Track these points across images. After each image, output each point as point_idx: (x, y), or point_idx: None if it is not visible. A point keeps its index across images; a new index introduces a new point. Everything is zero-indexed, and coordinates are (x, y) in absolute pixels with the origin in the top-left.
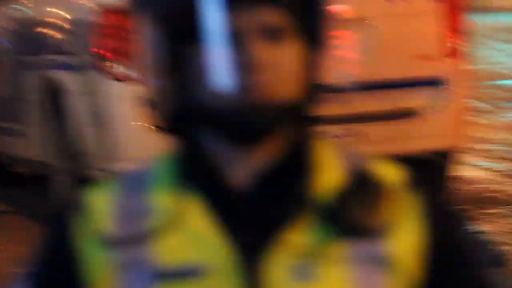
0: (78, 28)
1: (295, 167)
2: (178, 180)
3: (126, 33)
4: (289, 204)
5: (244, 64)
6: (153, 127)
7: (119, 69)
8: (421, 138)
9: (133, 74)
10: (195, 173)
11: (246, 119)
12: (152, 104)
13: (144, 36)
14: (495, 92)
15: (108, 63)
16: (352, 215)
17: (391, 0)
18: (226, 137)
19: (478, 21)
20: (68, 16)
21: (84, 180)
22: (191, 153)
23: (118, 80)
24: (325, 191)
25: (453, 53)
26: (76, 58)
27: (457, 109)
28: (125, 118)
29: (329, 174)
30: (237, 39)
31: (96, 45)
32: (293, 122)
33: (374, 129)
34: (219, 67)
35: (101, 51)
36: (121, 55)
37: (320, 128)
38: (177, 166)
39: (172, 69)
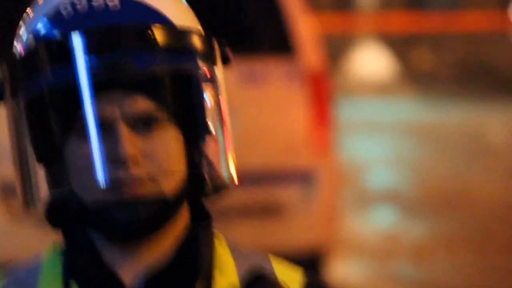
0: None
1: (188, 266)
2: (66, 278)
3: None
4: None
5: (116, 157)
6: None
7: None
8: (287, 236)
9: None
10: (83, 272)
11: (121, 215)
12: (28, 194)
13: (17, 121)
14: (364, 188)
15: None
16: None
17: (254, 87)
18: (104, 235)
19: (343, 111)
20: None
21: None
22: (78, 251)
23: None
24: None
25: (322, 146)
26: None
27: (327, 206)
28: None
29: (225, 273)
30: (108, 129)
31: None
32: (179, 217)
33: (240, 225)
34: (90, 160)
35: None
36: None
37: (210, 223)
38: (64, 264)
39: (47, 157)
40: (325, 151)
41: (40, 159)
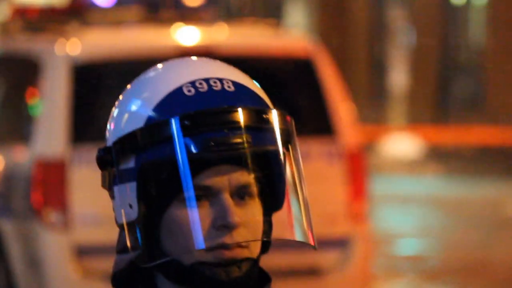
0: (16, 179)
1: None
2: None
3: (63, 184)
4: None
5: (225, 223)
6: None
7: (55, 218)
8: None
9: (70, 223)
10: None
11: (222, 274)
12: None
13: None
14: (394, 255)
15: (45, 213)
16: None
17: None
18: None
19: (377, 186)
20: (7, 167)
21: None
22: None
23: (54, 228)
24: None
25: (358, 216)
26: (15, 207)
27: (361, 269)
28: (59, 266)
29: None
30: (213, 198)
31: (34, 195)
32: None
33: (285, 285)
34: (196, 224)
35: (39, 201)
36: (58, 204)
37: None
38: None
39: (146, 224)
40: (361, 221)
41: (142, 221)
